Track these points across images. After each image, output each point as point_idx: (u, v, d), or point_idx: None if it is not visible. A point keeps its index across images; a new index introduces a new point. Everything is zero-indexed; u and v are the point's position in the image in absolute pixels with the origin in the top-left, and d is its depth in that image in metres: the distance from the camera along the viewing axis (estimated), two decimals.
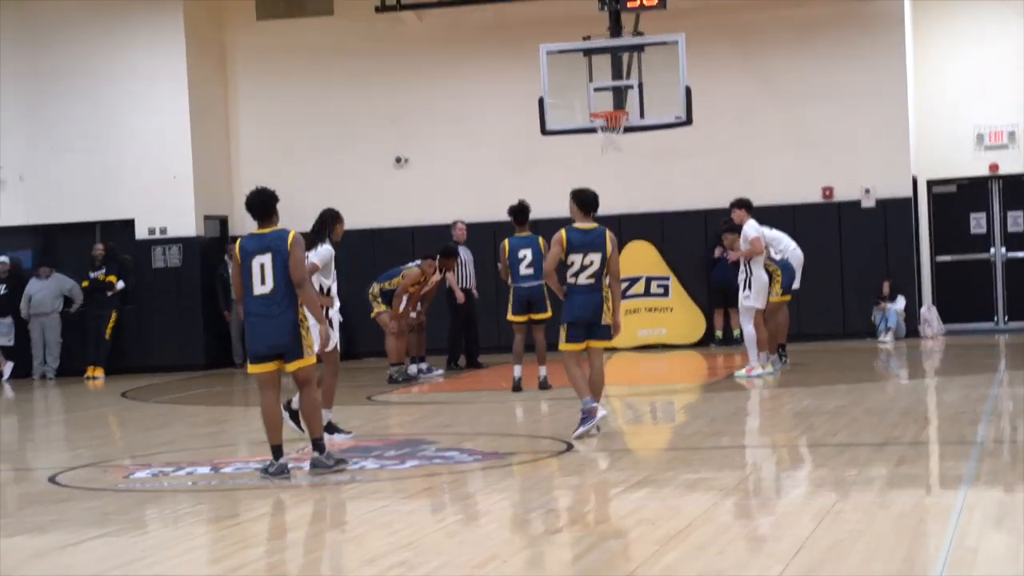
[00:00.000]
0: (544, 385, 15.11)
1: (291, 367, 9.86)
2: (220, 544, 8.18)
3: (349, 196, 21.84)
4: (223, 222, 22.21)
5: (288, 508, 9.16)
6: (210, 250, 21.77)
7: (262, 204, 9.93)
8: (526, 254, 15.15)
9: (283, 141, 22.32)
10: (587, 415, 11.19)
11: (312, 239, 11.48)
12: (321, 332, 10.09)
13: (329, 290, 11.67)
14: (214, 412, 15.66)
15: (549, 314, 15.04)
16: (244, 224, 21.97)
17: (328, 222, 11.87)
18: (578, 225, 11.34)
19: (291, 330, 9.71)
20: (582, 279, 11.18)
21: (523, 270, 15.13)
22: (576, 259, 11.19)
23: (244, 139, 22.53)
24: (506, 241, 15.37)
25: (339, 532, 8.45)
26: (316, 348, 10.06)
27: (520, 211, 15.47)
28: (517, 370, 15.15)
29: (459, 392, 16.36)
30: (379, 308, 16.94)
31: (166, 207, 21.46)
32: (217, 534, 8.45)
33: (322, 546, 8.06)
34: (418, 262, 17.27)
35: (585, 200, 11.42)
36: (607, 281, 11.25)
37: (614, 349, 19.86)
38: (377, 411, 14.59)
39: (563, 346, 11.30)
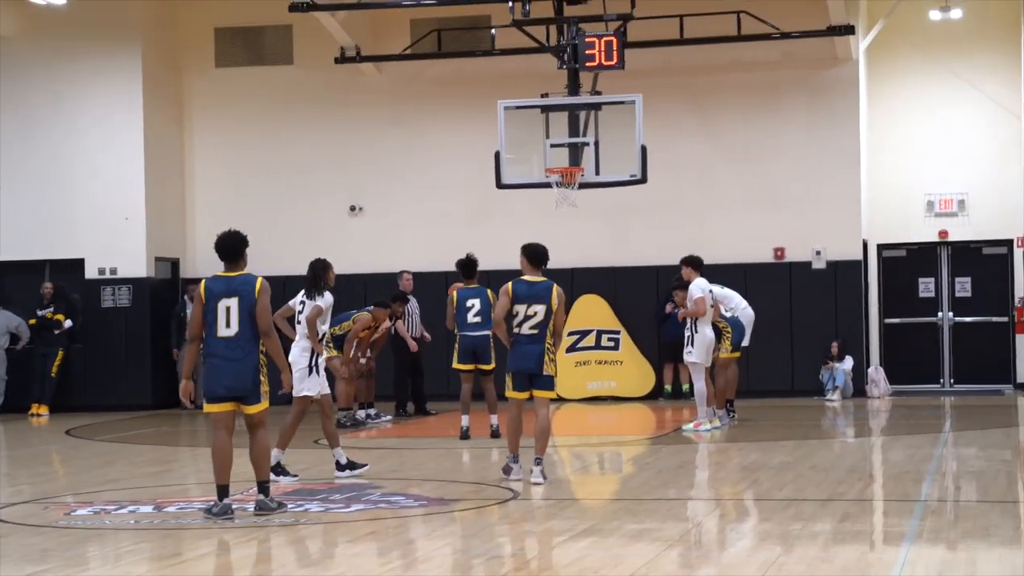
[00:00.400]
0: (495, 434, 15.18)
1: (251, 410, 9.90)
2: None
3: (302, 242, 21.87)
4: (175, 264, 22.15)
5: (231, 549, 9.09)
6: (160, 291, 21.68)
7: (232, 247, 10.05)
8: (474, 303, 15.36)
9: (238, 186, 22.31)
10: (505, 470, 11.70)
11: (310, 289, 12.31)
12: (285, 380, 10.17)
13: (324, 337, 12.31)
14: (159, 452, 15.54)
15: (493, 365, 15.30)
16: (196, 266, 22.03)
17: (320, 272, 12.50)
18: (526, 277, 11.67)
19: (252, 375, 9.83)
20: (525, 329, 11.45)
21: (471, 319, 15.32)
22: (520, 310, 11.48)
23: (199, 183, 22.50)
24: (454, 292, 15.55)
25: (282, 574, 8.39)
26: (296, 388, 10.32)
27: (468, 265, 15.80)
28: (464, 419, 15.27)
29: (406, 438, 16.33)
30: (330, 353, 16.90)
31: (117, 248, 21.37)
32: (159, 573, 8.37)
33: None
34: (370, 308, 17.29)
35: (533, 254, 11.78)
36: (550, 334, 11.47)
37: (563, 400, 19.95)
38: (324, 455, 14.47)
39: (509, 393, 11.59)
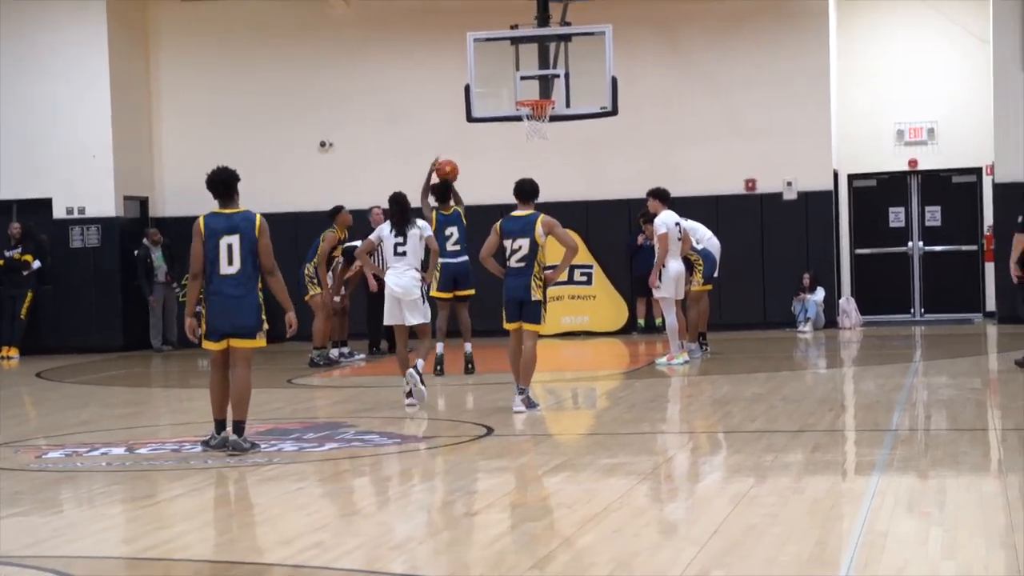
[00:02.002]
0: (469, 362, 15.30)
1: (241, 343, 9.93)
2: (134, 524, 8.10)
3: (273, 179, 21.77)
4: (143, 203, 21.98)
5: (204, 489, 9.09)
6: (130, 231, 21.52)
7: (224, 183, 10.07)
8: (452, 231, 15.25)
9: (206, 123, 22.11)
10: (522, 398, 11.95)
11: (400, 223, 12.81)
12: (290, 319, 10.19)
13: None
14: (131, 393, 15.51)
15: (473, 291, 15.38)
16: (165, 205, 21.88)
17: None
18: (515, 213, 12.05)
19: (256, 311, 9.91)
20: (512, 262, 11.89)
21: (449, 247, 15.21)
22: (508, 244, 11.91)
23: (166, 120, 22.30)
24: (433, 214, 15.33)
25: (255, 513, 8.40)
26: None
27: (444, 189, 15.53)
28: (439, 347, 15.17)
29: (380, 376, 16.29)
30: (314, 291, 16.94)
31: (85, 187, 21.19)
32: (132, 514, 8.37)
33: (237, 527, 8.01)
34: (332, 228, 17.35)
35: (519, 189, 12.15)
36: (539, 265, 11.85)
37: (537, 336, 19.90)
38: (297, 394, 14.53)
39: (505, 325, 12.12)
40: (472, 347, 15.43)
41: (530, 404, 11.98)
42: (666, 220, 15.66)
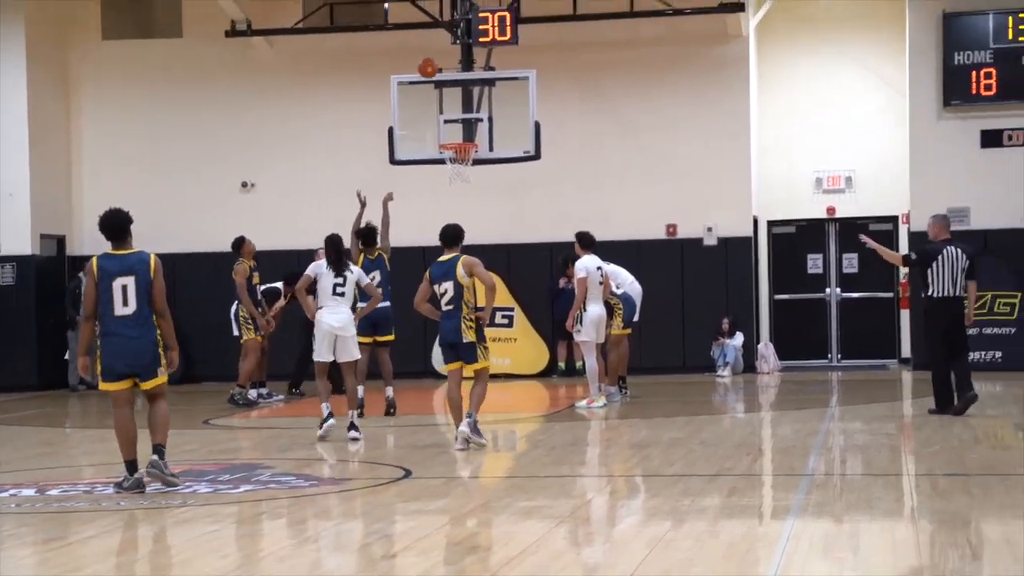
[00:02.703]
0: (390, 406, 15.38)
1: (147, 385, 10.00)
2: (44, 566, 7.95)
3: (194, 219, 21.66)
4: (60, 241, 21.73)
5: (117, 531, 8.95)
6: (46, 269, 21.26)
7: (118, 226, 10.09)
8: (375, 275, 15.28)
9: (127, 162, 21.95)
10: (460, 439, 12.28)
11: (341, 263, 13.35)
12: (172, 358, 10.13)
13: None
14: (44, 434, 15.27)
15: (393, 336, 15.50)
16: (83, 243, 21.64)
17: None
18: (441, 258, 12.51)
19: (151, 350, 9.95)
20: (443, 305, 12.33)
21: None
22: (436, 289, 12.36)
23: (86, 158, 22.10)
24: (361, 257, 15.44)
25: (168, 556, 8.29)
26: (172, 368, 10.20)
27: (368, 234, 15.70)
28: (359, 390, 15.01)
29: (299, 418, 16.17)
30: (248, 335, 16.86)
31: (1, 225, 20.91)
32: (42, 556, 8.22)
33: (150, 570, 7.89)
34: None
35: (443, 235, 12.63)
36: (467, 305, 12.23)
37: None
38: (214, 435, 14.38)
39: (441, 369, 12.86)
40: (393, 391, 15.47)
41: (475, 430, 12.25)
42: (587, 264, 15.76)
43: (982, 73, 20.32)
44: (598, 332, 15.79)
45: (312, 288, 13.56)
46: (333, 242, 13.49)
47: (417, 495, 10.16)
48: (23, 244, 21.01)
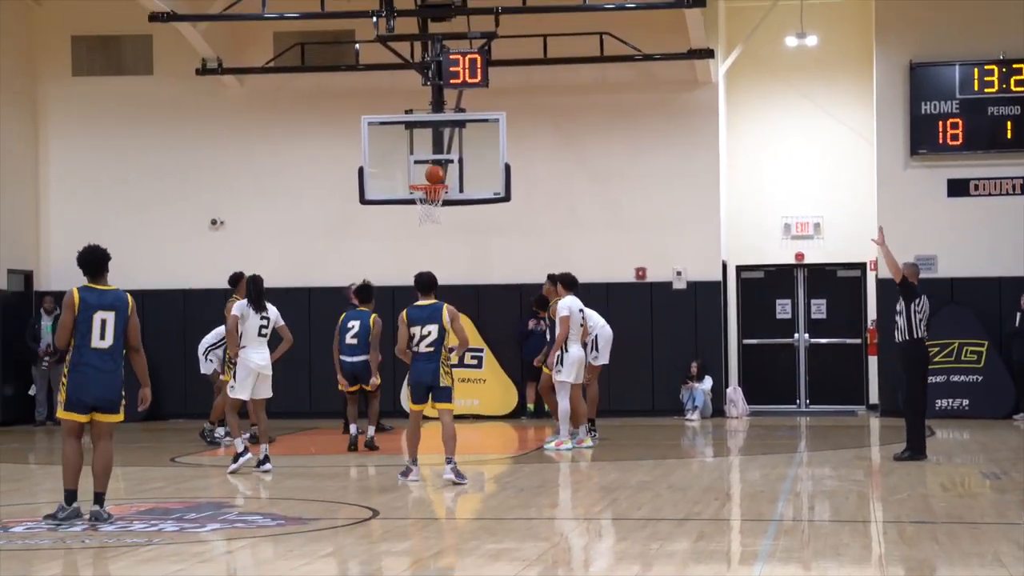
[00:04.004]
0: (371, 445, 15.88)
1: (106, 418, 10.22)
2: None
3: (163, 255, 21.59)
4: (28, 276, 21.60)
5: (81, 568, 8.86)
6: (13, 304, 21.12)
7: (97, 261, 10.32)
8: (354, 325, 15.97)
9: (95, 198, 21.89)
10: (404, 473, 12.83)
11: (260, 301, 13.84)
12: (144, 395, 10.44)
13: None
14: (8, 470, 15.11)
15: (379, 382, 16.03)
16: (50, 279, 21.50)
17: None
18: (419, 303, 12.92)
19: (119, 387, 10.24)
20: (422, 347, 12.67)
21: (348, 339, 15.99)
22: (416, 331, 12.70)
23: (54, 194, 22.02)
24: (344, 314, 16.22)
25: None
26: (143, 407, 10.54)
27: (363, 290, 16.42)
28: (352, 428, 16.01)
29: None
30: (227, 377, 16.80)
31: None
32: None
33: None
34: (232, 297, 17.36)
35: (418, 281, 13.07)
36: (446, 350, 12.73)
37: (426, 418, 19.85)
38: (180, 473, 14.28)
39: (408, 407, 12.99)
40: (374, 432, 16.05)
41: (458, 473, 12.65)
42: (570, 304, 15.83)
43: (948, 123, 20.53)
44: (578, 373, 15.81)
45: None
46: (255, 282, 13.92)
47: (384, 536, 10.10)
48: None
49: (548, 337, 16.33)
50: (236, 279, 17.16)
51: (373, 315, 16.04)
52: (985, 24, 20.52)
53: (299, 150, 21.75)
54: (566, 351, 15.71)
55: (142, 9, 19.50)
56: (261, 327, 13.81)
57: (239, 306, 13.92)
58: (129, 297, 10.30)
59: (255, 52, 21.53)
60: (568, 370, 15.71)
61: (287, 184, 21.73)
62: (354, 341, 15.86)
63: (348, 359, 15.96)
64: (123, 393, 10.23)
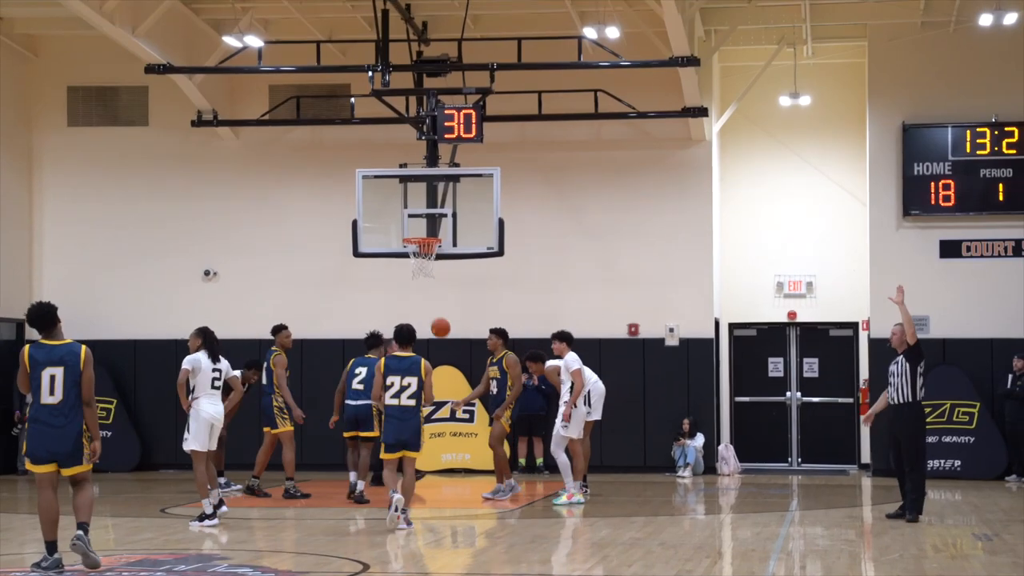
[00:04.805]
0: (360, 498, 15.90)
1: (68, 472, 10.36)
2: None
3: (156, 306, 21.58)
4: (20, 325, 21.56)
5: None
6: (3, 353, 21.07)
7: (46, 316, 10.50)
8: (361, 371, 16.12)
9: (89, 248, 21.90)
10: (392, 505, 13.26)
11: (216, 353, 14.11)
12: (95, 447, 10.51)
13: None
14: None
15: (376, 433, 15.86)
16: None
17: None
18: (396, 353, 13.35)
19: (74, 439, 10.32)
20: (403, 399, 13.18)
21: (354, 385, 16.18)
22: (395, 380, 13.19)
23: (48, 243, 22.02)
24: (352, 360, 16.50)
25: None
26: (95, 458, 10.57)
27: (371, 338, 16.65)
28: (352, 476, 16.15)
29: (260, 508, 16.02)
30: (284, 426, 16.80)
31: None
32: None
33: None
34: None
35: (398, 333, 13.51)
36: (424, 406, 13.29)
37: (419, 472, 19.78)
38: (171, 524, 14.19)
39: (383, 455, 13.40)
40: (364, 486, 16.11)
41: (409, 522, 13.23)
42: (577, 358, 15.98)
43: (941, 184, 20.61)
44: (580, 428, 16.00)
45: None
46: (206, 333, 14.19)
47: None
48: None
49: (496, 391, 16.71)
50: (279, 330, 17.13)
51: (381, 360, 15.92)
52: (978, 87, 20.66)
53: (294, 202, 21.80)
54: (574, 407, 15.89)
55: (138, 61, 19.59)
56: (214, 380, 14.01)
57: (191, 359, 14.03)
58: (83, 349, 10.41)
59: (250, 104, 21.62)
60: (576, 425, 15.99)
61: (281, 235, 21.76)
62: (360, 387, 15.98)
63: (352, 403, 16.14)
64: (83, 443, 10.33)
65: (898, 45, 20.78)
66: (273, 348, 16.95)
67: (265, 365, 16.84)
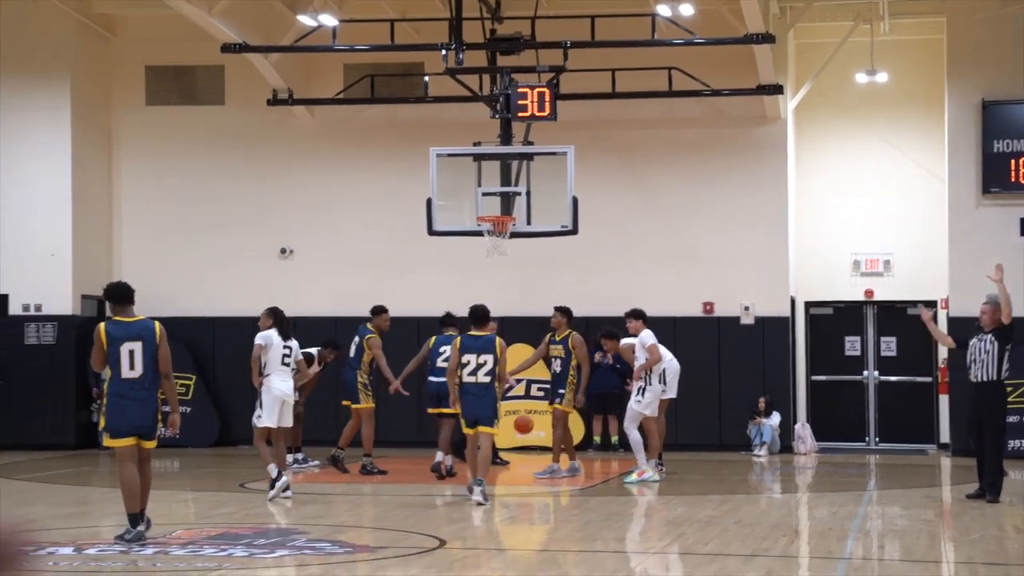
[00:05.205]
0: (442, 472, 16.15)
1: (150, 444, 10.62)
2: None
3: (231, 283, 21.79)
4: (101, 302, 21.85)
5: None
6: (86, 329, 21.31)
7: (124, 294, 10.82)
8: (445, 350, 16.19)
9: (167, 225, 22.14)
10: (469, 489, 13.52)
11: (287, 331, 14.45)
12: (174, 420, 10.80)
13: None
14: (80, 492, 15.28)
15: (456, 409, 15.51)
16: None
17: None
18: (472, 332, 13.75)
19: (154, 413, 10.58)
20: (480, 376, 13.51)
21: (439, 363, 16.44)
22: (470, 359, 13.52)
23: (127, 221, 22.30)
24: (433, 337, 16.80)
25: None
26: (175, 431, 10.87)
27: (447, 317, 17.02)
28: (439, 455, 16.31)
29: (337, 484, 16.17)
30: (367, 402, 16.88)
31: (43, 284, 21.11)
32: None
33: None
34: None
35: (472, 314, 13.95)
36: (499, 383, 13.55)
37: (501, 460, 19.76)
38: (250, 499, 14.35)
39: (465, 430, 13.80)
40: (443, 458, 16.32)
41: (485, 497, 13.37)
42: (652, 335, 16.07)
43: (1021, 161, 20.31)
44: (656, 406, 15.95)
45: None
46: (276, 313, 14.51)
47: (450, 566, 10.09)
48: (64, 304, 21.18)
49: (560, 370, 16.64)
50: (379, 311, 17.28)
51: (457, 339, 15.98)
52: None
53: (368, 180, 21.90)
54: (649, 384, 15.81)
55: (214, 40, 19.74)
56: (284, 356, 14.30)
57: (264, 336, 14.30)
58: (157, 325, 10.64)
59: (325, 83, 21.72)
60: (651, 402, 15.91)
61: (355, 214, 21.88)
62: (444, 364, 16.00)
63: (435, 380, 16.47)
64: (159, 419, 10.60)
65: (977, 21, 20.47)
66: (369, 327, 17.04)
67: (356, 340, 16.92)
